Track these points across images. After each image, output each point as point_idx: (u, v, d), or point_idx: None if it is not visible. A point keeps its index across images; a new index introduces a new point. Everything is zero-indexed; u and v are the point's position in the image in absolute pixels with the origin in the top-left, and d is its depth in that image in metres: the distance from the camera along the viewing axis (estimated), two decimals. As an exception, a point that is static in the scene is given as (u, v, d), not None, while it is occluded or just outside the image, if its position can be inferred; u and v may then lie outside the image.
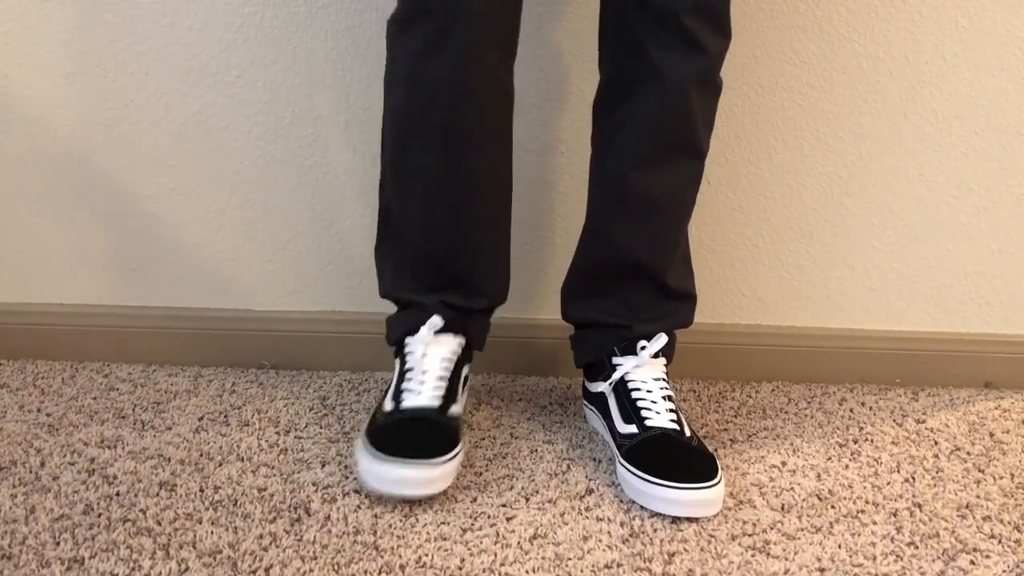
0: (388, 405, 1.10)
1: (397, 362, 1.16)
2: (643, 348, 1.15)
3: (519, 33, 1.07)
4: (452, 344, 1.14)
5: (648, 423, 1.09)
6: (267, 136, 1.33)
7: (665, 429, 1.08)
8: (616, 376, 1.15)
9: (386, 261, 1.17)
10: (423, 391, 1.09)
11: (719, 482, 1.03)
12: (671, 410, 1.11)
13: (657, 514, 1.03)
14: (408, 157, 1.09)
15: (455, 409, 1.10)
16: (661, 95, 1.05)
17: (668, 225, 1.14)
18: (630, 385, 1.14)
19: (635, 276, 1.16)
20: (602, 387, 1.18)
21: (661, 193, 1.11)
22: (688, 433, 1.10)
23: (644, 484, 1.03)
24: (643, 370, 1.15)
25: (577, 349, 1.24)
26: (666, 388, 1.14)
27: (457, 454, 1.04)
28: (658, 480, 1.02)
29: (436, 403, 1.08)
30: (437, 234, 1.11)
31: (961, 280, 1.37)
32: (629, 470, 1.06)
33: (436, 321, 1.12)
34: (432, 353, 1.12)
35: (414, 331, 1.14)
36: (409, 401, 1.08)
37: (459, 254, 1.13)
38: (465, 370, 1.17)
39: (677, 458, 1.05)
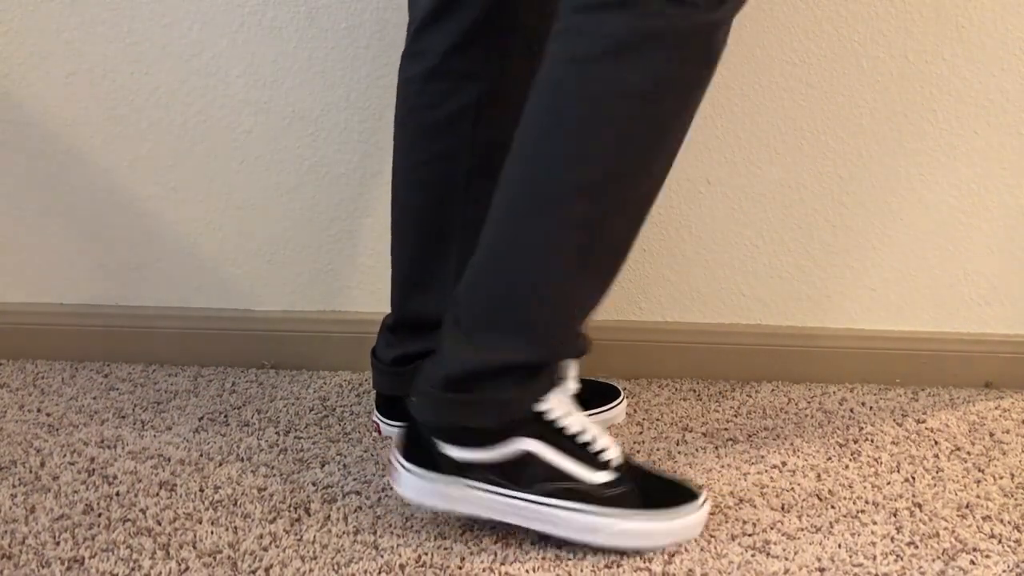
0: (599, 476, 0.94)
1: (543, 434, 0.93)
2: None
3: None
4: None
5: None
6: (267, 136, 1.33)
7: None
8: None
9: None
10: (607, 442, 0.96)
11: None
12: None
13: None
14: None
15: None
16: None
17: None
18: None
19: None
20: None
21: None
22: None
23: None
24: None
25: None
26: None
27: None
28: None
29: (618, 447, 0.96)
30: None
31: (961, 280, 1.37)
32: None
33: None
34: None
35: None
36: (614, 457, 0.95)
37: None
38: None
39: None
